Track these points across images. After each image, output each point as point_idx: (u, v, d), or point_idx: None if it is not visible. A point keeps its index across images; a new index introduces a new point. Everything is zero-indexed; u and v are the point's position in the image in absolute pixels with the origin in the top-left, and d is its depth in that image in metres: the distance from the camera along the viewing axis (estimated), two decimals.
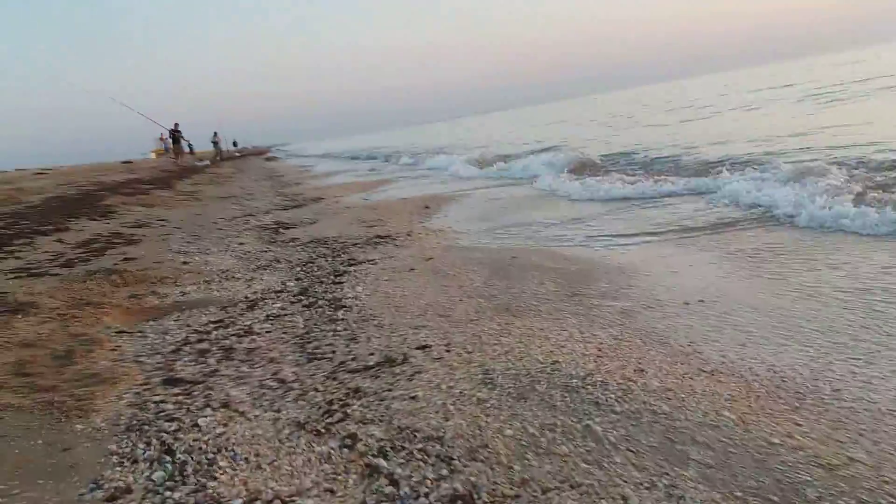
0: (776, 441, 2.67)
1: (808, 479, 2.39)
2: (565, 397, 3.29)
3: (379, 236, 8.78)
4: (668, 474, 2.52)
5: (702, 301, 4.66)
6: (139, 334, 5.01)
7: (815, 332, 3.85)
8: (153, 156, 54.19)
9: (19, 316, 5.18)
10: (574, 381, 3.46)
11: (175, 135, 36.30)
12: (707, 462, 2.58)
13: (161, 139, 48.79)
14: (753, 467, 2.51)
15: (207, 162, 39.56)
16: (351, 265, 7.07)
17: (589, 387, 3.37)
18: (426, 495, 2.54)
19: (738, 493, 2.35)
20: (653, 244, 6.86)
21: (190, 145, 55.58)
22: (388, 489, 2.63)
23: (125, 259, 7.97)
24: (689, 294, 4.86)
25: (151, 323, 5.34)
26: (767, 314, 4.23)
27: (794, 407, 2.97)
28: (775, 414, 2.92)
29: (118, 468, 2.97)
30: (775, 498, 2.31)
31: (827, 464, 2.48)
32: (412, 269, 6.57)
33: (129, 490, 2.77)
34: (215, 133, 48.67)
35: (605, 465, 2.63)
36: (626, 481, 2.50)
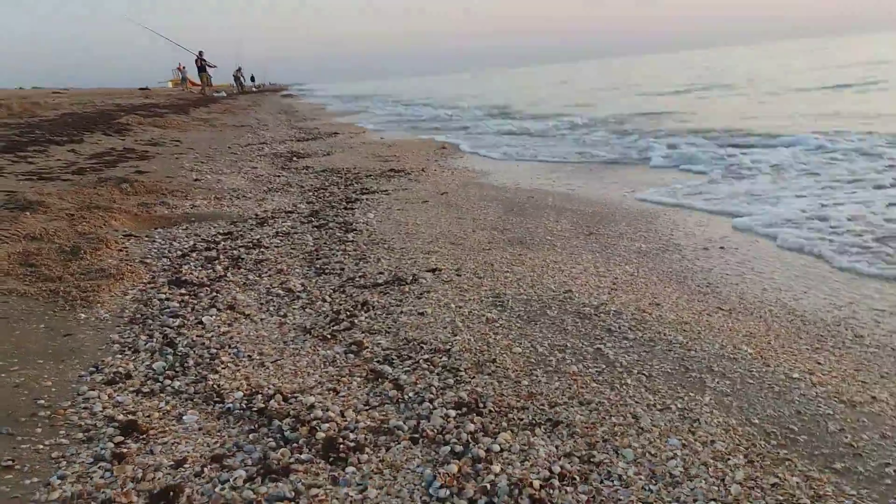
0: (796, 376, 2.60)
1: (830, 412, 2.32)
2: (577, 322, 3.22)
3: (393, 170, 8.65)
4: (681, 398, 2.45)
5: (722, 248, 4.55)
6: (147, 238, 4.95)
7: (837, 282, 3.75)
8: (170, 85, 53.67)
9: (27, 213, 5.12)
10: (587, 308, 3.38)
11: (201, 63, 35.12)
12: (723, 390, 2.51)
13: (179, 69, 48.18)
14: (772, 398, 2.43)
15: (224, 93, 39.13)
16: (363, 194, 6.96)
17: (602, 315, 3.29)
18: (431, 401, 2.49)
19: (756, 421, 2.28)
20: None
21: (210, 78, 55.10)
22: (393, 392, 2.58)
23: (137, 172, 7.89)
24: (709, 240, 4.75)
25: (160, 230, 5.28)
26: (789, 263, 4.12)
27: (814, 348, 2.89)
28: (795, 352, 2.84)
29: (119, 356, 2.93)
30: (794, 427, 2.24)
31: (849, 400, 2.40)
32: (425, 202, 6.46)
33: (128, 376, 2.73)
34: (239, 68, 48.04)
35: (617, 385, 2.57)
36: (637, 402, 2.43)
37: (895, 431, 2.20)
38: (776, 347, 2.88)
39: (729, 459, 2.05)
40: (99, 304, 3.48)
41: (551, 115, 17.22)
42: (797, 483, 1.93)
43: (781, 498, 1.86)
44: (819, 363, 2.72)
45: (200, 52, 35.03)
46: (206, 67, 35.33)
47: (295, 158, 10.10)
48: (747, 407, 2.38)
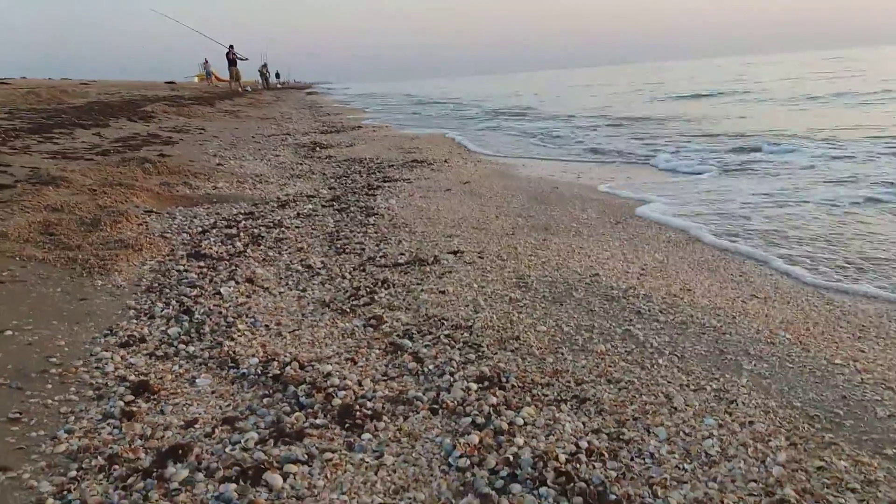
0: (839, 362, 2.46)
1: (878, 398, 2.18)
2: (604, 304, 3.10)
3: (416, 160, 8.56)
4: (717, 379, 2.33)
5: (750, 236, 4.40)
6: (167, 215, 4.91)
7: (879, 276, 3.59)
8: (196, 80, 54.05)
9: (50, 187, 5.09)
10: (614, 291, 3.27)
11: (232, 56, 34.76)
12: (761, 373, 2.38)
13: (205, 64, 48.52)
14: (814, 382, 2.30)
15: (249, 88, 39.33)
16: (385, 182, 6.88)
17: (631, 298, 3.17)
18: (451, 374, 2.39)
19: (797, 404, 2.15)
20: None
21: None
22: (412, 365, 2.48)
23: (160, 155, 7.87)
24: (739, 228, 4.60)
25: (181, 208, 5.24)
26: (831, 251, 3.97)
27: (856, 336, 2.74)
28: (836, 340, 2.70)
29: (134, 321, 2.86)
30: (840, 411, 2.10)
31: None
32: (448, 190, 6.37)
33: (143, 340, 2.66)
34: (265, 64, 48.00)
35: (647, 365, 2.45)
36: (669, 382, 2.31)
37: None
38: (815, 335, 2.75)
39: (770, 441, 1.93)
40: (117, 273, 3.43)
41: (574, 115, 17.07)
42: (845, 467, 1.80)
43: (828, 481, 1.74)
44: (862, 351, 2.58)
45: (231, 46, 34.79)
46: (237, 61, 35.00)
47: (318, 148, 10.06)
48: (787, 390, 2.25)
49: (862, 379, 2.32)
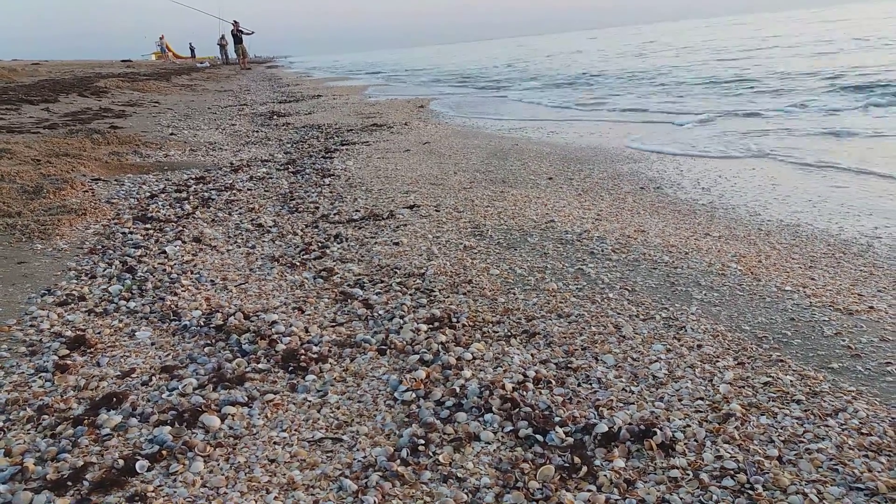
0: (789, 288, 2.47)
1: (825, 319, 2.19)
2: (558, 248, 3.07)
3: (375, 125, 8.43)
4: (667, 309, 2.32)
5: (708, 188, 4.41)
6: (116, 182, 4.75)
7: (825, 211, 3.62)
8: (153, 57, 52.64)
9: None
10: (569, 235, 3.24)
11: (237, 32, 32.20)
12: (711, 301, 2.37)
13: (161, 40, 47.28)
14: (763, 307, 2.30)
15: (207, 64, 38.44)
16: (343, 145, 6.76)
17: (584, 240, 3.15)
18: (401, 317, 2.34)
19: (746, 327, 2.15)
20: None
21: (192, 49, 53.97)
22: (362, 311, 2.43)
23: (112, 127, 7.63)
24: (697, 179, 4.60)
25: (130, 176, 5.08)
26: (784, 197, 3.99)
27: (807, 266, 2.75)
28: (787, 269, 2.71)
29: (74, 281, 2.76)
30: (788, 332, 2.11)
31: (845, 309, 2.27)
32: (407, 151, 6.27)
33: (82, 298, 2.56)
34: (222, 36, 46.52)
35: (598, 300, 2.43)
36: (619, 313, 2.30)
37: None
38: (767, 266, 2.75)
39: (717, 362, 1.92)
40: (58, 237, 3.31)
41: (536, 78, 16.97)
42: (791, 381, 1.80)
43: (774, 395, 1.73)
44: (812, 279, 2.59)
45: (235, 22, 32.75)
46: (243, 37, 33.10)
47: (276, 117, 9.85)
48: (737, 315, 2.25)
49: (811, 303, 2.33)
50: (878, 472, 1.41)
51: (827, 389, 1.75)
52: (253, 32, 33.59)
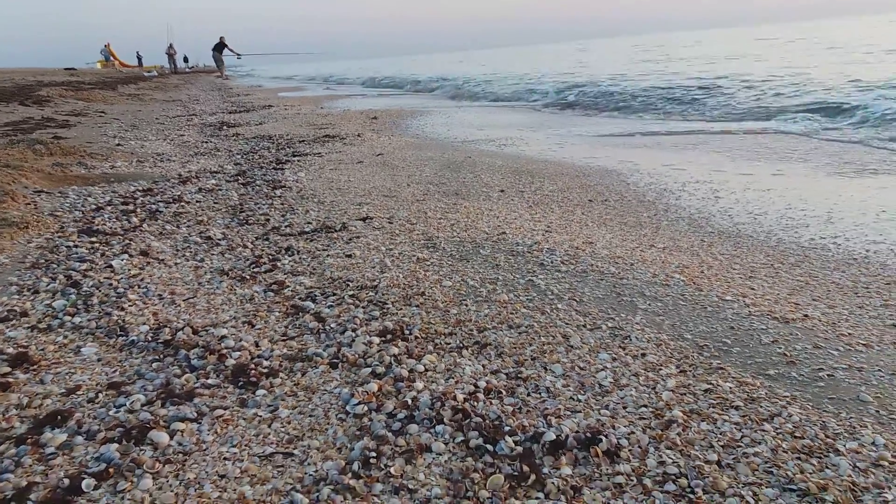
0: (729, 298, 2.56)
1: (763, 327, 2.29)
2: (510, 259, 3.12)
3: (328, 136, 8.41)
4: (613, 319, 2.38)
5: (653, 201, 4.54)
6: (59, 195, 4.64)
7: (756, 218, 3.77)
8: (98, 65, 51.36)
9: None
10: (520, 247, 3.30)
11: (222, 45, 33.09)
12: (655, 311, 2.45)
13: (106, 47, 46.22)
14: (704, 317, 2.39)
15: (155, 73, 37.70)
16: (295, 156, 6.72)
17: (535, 252, 3.21)
18: (353, 330, 2.35)
19: (688, 336, 2.23)
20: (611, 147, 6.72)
21: (139, 57, 52.80)
22: (313, 324, 2.43)
23: (55, 137, 7.43)
24: (648, 190, 4.73)
25: (74, 188, 4.96)
26: (726, 205, 4.13)
27: (748, 276, 2.87)
28: (728, 280, 2.81)
29: (16, 296, 2.69)
30: (728, 340, 2.19)
31: (782, 317, 2.37)
32: (360, 162, 6.28)
33: (24, 314, 2.50)
34: (171, 45, 45.79)
35: (547, 310, 2.48)
36: (567, 324, 2.35)
37: (828, 343, 2.18)
38: (709, 276, 2.86)
39: (661, 370, 1.99)
40: None
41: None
42: (730, 388, 1.87)
43: (714, 401, 1.80)
44: (752, 288, 2.70)
45: (221, 38, 33.21)
46: (224, 51, 33.52)
47: (225, 128, 9.74)
48: (679, 324, 2.33)
49: (750, 312, 2.43)
50: (810, 473, 1.48)
51: (764, 395, 1.83)
52: (241, 56, 34.68)
